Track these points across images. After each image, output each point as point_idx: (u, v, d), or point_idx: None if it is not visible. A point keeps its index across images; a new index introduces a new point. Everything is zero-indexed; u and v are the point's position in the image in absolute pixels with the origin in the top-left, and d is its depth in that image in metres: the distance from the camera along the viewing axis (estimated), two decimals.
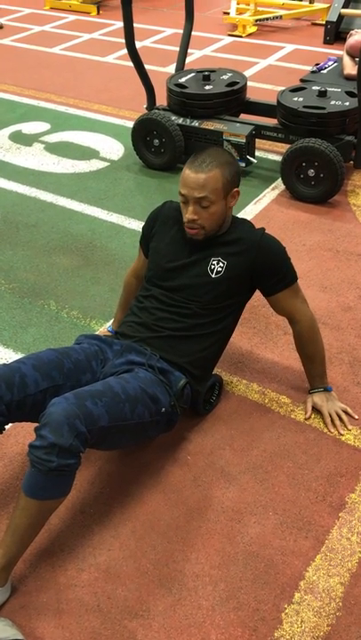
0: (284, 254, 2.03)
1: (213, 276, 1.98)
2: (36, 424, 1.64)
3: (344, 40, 5.04)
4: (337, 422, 2.09)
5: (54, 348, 1.90)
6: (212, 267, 1.99)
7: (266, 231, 2.04)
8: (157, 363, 1.90)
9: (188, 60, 4.15)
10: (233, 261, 1.99)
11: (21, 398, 1.72)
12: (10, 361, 2.10)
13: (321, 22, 6.35)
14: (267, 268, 2.00)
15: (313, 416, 2.13)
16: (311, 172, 3.30)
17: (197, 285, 1.99)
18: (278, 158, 3.73)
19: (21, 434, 2.09)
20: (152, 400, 1.80)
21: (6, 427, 1.79)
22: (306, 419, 2.12)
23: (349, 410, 2.14)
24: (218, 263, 1.98)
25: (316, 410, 2.14)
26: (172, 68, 4.31)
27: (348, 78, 4.44)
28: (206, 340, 2.01)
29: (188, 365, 1.96)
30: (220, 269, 1.98)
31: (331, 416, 2.10)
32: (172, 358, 1.94)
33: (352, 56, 4.68)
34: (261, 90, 4.80)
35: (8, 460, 2.01)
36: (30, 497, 1.56)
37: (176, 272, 2.03)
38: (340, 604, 1.62)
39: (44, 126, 4.46)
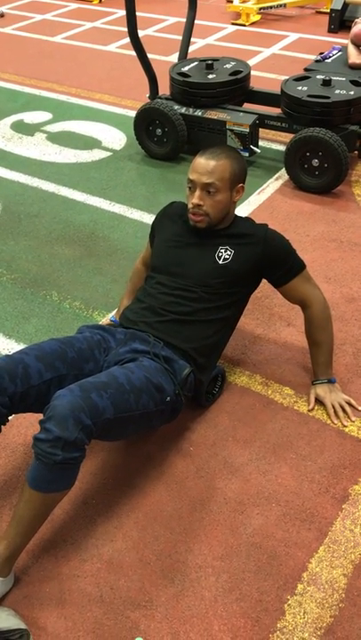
0: (289, 246, 2.10)
1: (221, 262, 2.02)
2: (39, 415, 1.63)
3: (349, 29, 4.98)
4: (340, 414, 2.09)
5: (57, 338, 1.89)
6: (220, 254, 2.03)
7: (269, 226, 2.11)
8: (162, 351, 1.90)
9: (190, 48, 4.11)
10: (240, 251, 2.04)
11: (25, 390, 1.71)
12: (12, 351, 2.10)
13: (325, 10, 6.28)
14: (274, 260, 2.06)
15: (316, 407, 2.13)
16: (315, 162, 3.28)
17: (204, 270, 2.02)
18: (282, 148, 3.70)
19: (24, 424, 2.09)
20: (157, 389, 1.80)
21: (9, 418, 1.78)
22: (309, 410, 2.12)
23: (353, 401, 2.13)
24: (225, 251, 2.03)
25: (320, 401, 2.13)
26: (174, 57, 4.28)
27: (353, 67, 4.39)
28: (211, 326, 2.01)
29: (192, 352, 1.96)
30: (227, 257, 2.02)
31: (334, 407, 2.10)
32: (176, 343, 1.94)
33: (357, 45, 4.63)
34: (265, 79, 4.76)
35: (11, 451, 2.01)
36: (34, 489, 1.56)
37: (182, 257, 2.06)
38: (343, 595, 1.62)
39: (46, 116, 4.43)
